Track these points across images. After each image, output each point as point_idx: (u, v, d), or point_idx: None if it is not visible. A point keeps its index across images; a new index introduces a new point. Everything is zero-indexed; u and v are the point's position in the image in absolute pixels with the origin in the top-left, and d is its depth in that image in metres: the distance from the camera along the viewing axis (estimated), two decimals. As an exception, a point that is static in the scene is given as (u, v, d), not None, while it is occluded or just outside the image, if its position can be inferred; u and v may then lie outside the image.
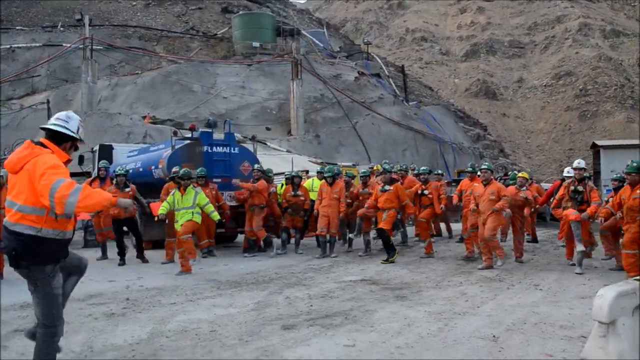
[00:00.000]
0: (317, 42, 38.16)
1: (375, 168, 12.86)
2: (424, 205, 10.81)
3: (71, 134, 3.66)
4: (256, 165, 11.53)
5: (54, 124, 3.62)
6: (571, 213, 8.76)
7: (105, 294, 7.23)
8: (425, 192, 10.73)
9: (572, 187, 8.89)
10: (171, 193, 9.32)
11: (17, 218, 3.43)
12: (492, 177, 9.56)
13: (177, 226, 8.99)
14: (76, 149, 3.77)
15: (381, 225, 10.05)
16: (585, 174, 9.02)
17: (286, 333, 5.27)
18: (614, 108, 53.09)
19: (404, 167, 13.77)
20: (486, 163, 10.27)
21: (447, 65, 69.48)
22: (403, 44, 75.00)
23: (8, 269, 8.19)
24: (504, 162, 39.94)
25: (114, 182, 10.46)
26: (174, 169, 10.12)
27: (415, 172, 12.07)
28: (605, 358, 3.65)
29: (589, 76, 58.18)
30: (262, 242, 11.94)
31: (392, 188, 10.12)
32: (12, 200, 3.46)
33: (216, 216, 9.48)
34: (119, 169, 10.70)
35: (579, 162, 9.12)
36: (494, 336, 5.10)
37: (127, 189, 10.37)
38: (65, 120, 3.67)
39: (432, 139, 33.50)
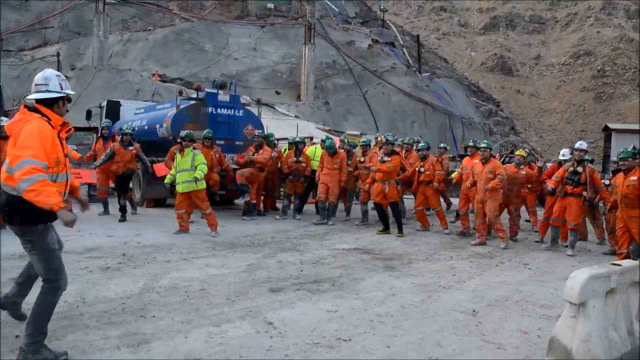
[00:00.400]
0: (332, 6, 37.61)
1: (379, 139, 12.85)
2: (422, 182, 10.73)
3: (56, 95, 3.64)
4: (257, 131, 11.59)
5: (37, 92, 3.63)
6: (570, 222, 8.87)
7: (102, 248, 7.44)
8: (422, 169, 10.64)
9: (571, 169, 8.92)
10: (176, 151, 9.40)
11: (4, 178, 3.52)
12: (491, 155, 9.61)
13: (179, 188, 9.05)
14: (69, 101, 3.77)
15: (390, 199, 10.00)
16: (585, 157, 9.03)
17: (273, 295, 5.45)
18: (631, 91, 52.21)
19: (409, 141, 13.75)
20: (485, 141, 10.18)
21: (464, 38, 68.29)
22: (421, 13, 73.62)
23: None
24: (514, 140, 39.74)
25: (120, 139, 10.59)
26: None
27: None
28: (574, 338, 3.78)
29: (608, 57, 57.06)
30: (261, 207, 12.12)
31: (390, 159, 10.07)
32: (5, 162, 3.56)
33: (202, 184, 9.14)
34: (126, 127, 10.81)
35: (580, 144, 9.15)
36: (474, 310, 5.25)
37: (131, 148, 10.52)
38: (44, 83, 3.64)
39: (442, 112, 33.31)
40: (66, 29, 31.03)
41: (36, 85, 3.65)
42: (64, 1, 31.64)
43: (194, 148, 9.27)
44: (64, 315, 4.51)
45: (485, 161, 9.41)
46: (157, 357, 3.76)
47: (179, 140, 9.38)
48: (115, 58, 28.44)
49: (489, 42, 66.45)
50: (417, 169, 10.75)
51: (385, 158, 10.06)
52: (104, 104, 15.67)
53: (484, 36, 68.30)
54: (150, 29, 30.73)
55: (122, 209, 10.34)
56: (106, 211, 11.02)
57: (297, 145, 11.73)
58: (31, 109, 3.60)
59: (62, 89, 3.67)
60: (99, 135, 11.41)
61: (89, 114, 16.26)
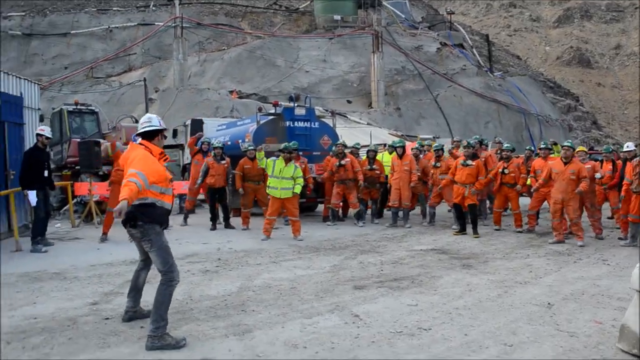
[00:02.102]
0: (398, 12, 37.86)
1: (461, 143, 12.97)
2: (505, 183, 10.83)
3: (157, 127, 4.67)
4: (340, 140, 12.23)
5: (143, 127, 4.67)
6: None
7: (199, 254, 8.24)
8: (506, 170, 10.77)
9: None
10: (272, 159, 9.91)
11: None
12: (573, 155, 9.57)
13: (274, 193, 9.74)
14: (165, 136, 4.81)
15: (469, 200, 10.30)
16: None
17: (357, 292, 5.95)
18: None
19: (482, 139, 13.68)
20: (568, 141, 10.22)
21: (537, 32, 66.23)
22: (490, 11, 72.10)
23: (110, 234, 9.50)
24: (596, 135, 38.20)
25: (212, 153, 11.46)
26: (243, 145, 11.06)
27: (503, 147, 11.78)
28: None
29: (697, 41, 53.60)
30: (340, 212, 12.66)
31: (474, 164, 10.33)
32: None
33: (299, 189, 10.07)
34: (217, 142, 11.73)
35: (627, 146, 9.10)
36: (548, 303, 5.51)
37: (223, 162, 11.38)
38: (148, 121, 4.69)
39: (517, 111, 32.67)
40: (148, 54, 33.14)
41: (142, 123, 4.72)
42: (144, 28, 33.88)
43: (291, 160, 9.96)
44: (176, 310, 5.20)
45: (567, 161, 9.38)
46: (261, 343, 4.34)
47: (278, 151, 10.07)
48: (194, 78, 30.12)
49: (563, 35, 64.11)
50: (499, 170, 10.86)
51: (469, 162, 10.30)
52: (188, 122, 16.86)
53: (558, 29, 65.95)
54: (224, 49, 32.28)
55: (214, 219, 11.22)
56: (185, 222, 11.90)
57: (368, 154, 12.22)
58: (139, 144, 4.68)
59: (160, 125, 4.71)
60: (199, 149, 12.31)
61: (175, 133, 17.57)
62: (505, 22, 68.37)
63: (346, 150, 12.13)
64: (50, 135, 9.26)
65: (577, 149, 10.78)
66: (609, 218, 12.06)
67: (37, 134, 9.15)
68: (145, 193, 4.41)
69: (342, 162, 11.69)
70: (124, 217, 4.30)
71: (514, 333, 4.61)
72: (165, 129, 4.78)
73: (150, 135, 4.65)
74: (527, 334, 4.59)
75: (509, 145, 11.34)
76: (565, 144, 9.82)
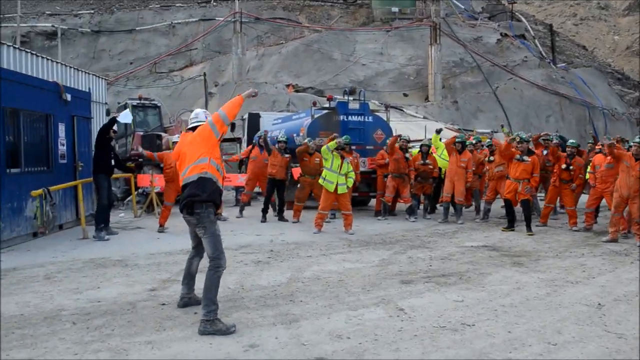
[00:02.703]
0: (457, 3, 37.13)
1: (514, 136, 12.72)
2: (564, 180, 10.64)
3: (202, 122, 5.03)
4: (403, 135, 12.34)
5: (192, 122, 5.09)
6: None
7: (252, 245, 8.53)
8: (571, 167, 10.54)
9: None
10: (327, 158, 10.02)
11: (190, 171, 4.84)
12: None
13: (330, 187, 9.88)
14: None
15: (522, 197, 10.16)
16: None
17: (403, 286, 6.04)
18: None
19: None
20: (639, 136, 9.77)
21: (605, 21, 63.26)
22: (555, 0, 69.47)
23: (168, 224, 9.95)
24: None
25: (277, 147, 11.73)
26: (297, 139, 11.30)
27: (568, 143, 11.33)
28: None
29: None
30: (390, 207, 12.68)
31: (529, 160, 10.19)
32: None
33: (351, 182, 10.33)
34: (281, 136, 12.02)
35: None
36: (599, 304, 5.42)
37: (286, 155, 11.64)
38: (195, 117, 5.14)
39: (580, 104, 31.48)
40: (208, 49, 33.97)
41: (191, 119, 5.15)
42: (205, 23, 34.77)
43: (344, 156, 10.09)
44: (228, 298, 5.46)
45: (638, 157, 9.05)
46: (306, 333, 4.52)
47: (342, 146, 10.13)
48: (252, 72, 30.69)
49: (634, 24, 60.82)
50: (562, 166, 10.63)
51: (525, 157, 10.15)
52: (246, 116, 17.28)
53: (628, 17, 62.68)
54: (282, 43, 32.69)
55: (265, 211, 11.50)
56: (241, 214, 12.21)
57: (421, 148, 12.17)
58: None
59: (206, 119, 5.06)
60: (256, 143, 12.59)
61: (232, 126, 17.99)
62: (571, 11, 65.67)
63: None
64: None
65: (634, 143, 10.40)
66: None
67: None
68: (206, 167, 4.72)
69: (407, 155, 11.82)
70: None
71: (560, 332, 4.59)
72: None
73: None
74: (573, 333, 4.56)
75: (574, 141, 11.08)
76: (636, 140, 9.36)
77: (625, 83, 40.67)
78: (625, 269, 7.13)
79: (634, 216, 9.08)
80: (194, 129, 5.00)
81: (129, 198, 13.77)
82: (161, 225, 10.04)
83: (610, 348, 4.26)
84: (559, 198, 11.31)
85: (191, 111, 19.93)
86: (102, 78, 13.87)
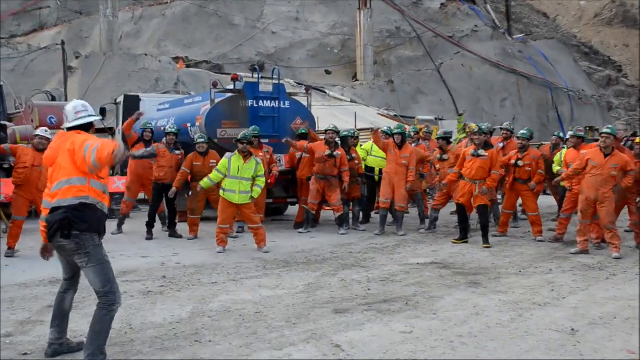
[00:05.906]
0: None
1: (469, 127, 13.34)
2: (518, 179, 11.15)
3: (97, 117, 4.97)
4: (331, 125, 12.50)
5: (80, 117, 4.83)
6: None
7: (139, 271, 8.45)
8: (520, 162, 11.02)
9: None
10: (227, 157, 9.97)
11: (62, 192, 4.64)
12: (614, 144, 9.69)
13: (233, 198, 9.83)
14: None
15: (479, 201, 10.52)
16: None
17: (338, 317, 6.23)
18: None
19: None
20: (609, 126, 10.16)
21: (569, -17, 67.25)
22: (510, -44, 72.95)
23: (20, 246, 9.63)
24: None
25: (164, 140, 11.54)
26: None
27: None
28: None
29: None
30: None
31: (487, 154, 10.47)
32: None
33: (257, 192, 10.26)
34: (170, 127, 11.81)
35: None
36: (572, 329, 5.85)
37: (177, 152, 11.52)
38: (84, 109, 4.87)
39: (541, 85, 33.31)
40: (65, 9, 32.90)
41: (76, 112, 4.85)
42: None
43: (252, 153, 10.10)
44: (113, 342, 5.40)
45: (608, 152, 9.52)
46: (220, 381, 4.59)
47: (235, 142, 10.15)
48: (127, 40, 30.08)
49: (603, -13, 65.10)
50: (511, 161, 11.11)
51: (482, 152, 10.47)
52: (121, 99, 16.93)
53: (597, -20, 66.94)
54: (166, 2, 32.24)
55: (151, 225, 11.35)
56: (119, 230, 12.00)
57: (346, 140, 12.44)
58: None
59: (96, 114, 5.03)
60: (140, 138, 12.03)
61: (103, 112, 17.51)
62: (528, -30, 69.14)
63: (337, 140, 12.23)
64: None
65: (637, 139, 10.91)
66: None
67: None
68: (87, 190, 4.61)
69: (335, 153, 11.73)
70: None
71: (528, 365, 4.94)
72: (103, 119, 4.99)
73: (86, 128, 4.85)
74: (544, 366, 4.93)
75: (525, 132, 11.53)
76: (605, 130, 9.80)
77: (593, 59, 43.47)
78: (599, 286, 7.71)
79: (604, 222, 9.66)
80: (79, 127, 4.82)
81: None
82: (10, 248, 9.68)
83: (587, 381, 4.65)
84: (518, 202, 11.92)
85: (47, 93, 19.22)
86: None
